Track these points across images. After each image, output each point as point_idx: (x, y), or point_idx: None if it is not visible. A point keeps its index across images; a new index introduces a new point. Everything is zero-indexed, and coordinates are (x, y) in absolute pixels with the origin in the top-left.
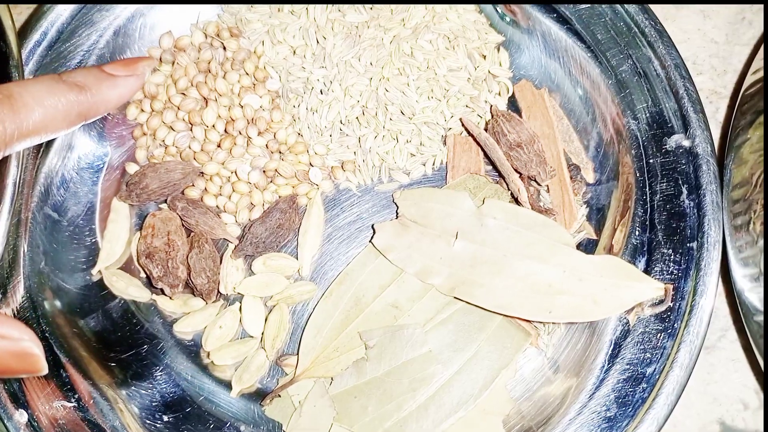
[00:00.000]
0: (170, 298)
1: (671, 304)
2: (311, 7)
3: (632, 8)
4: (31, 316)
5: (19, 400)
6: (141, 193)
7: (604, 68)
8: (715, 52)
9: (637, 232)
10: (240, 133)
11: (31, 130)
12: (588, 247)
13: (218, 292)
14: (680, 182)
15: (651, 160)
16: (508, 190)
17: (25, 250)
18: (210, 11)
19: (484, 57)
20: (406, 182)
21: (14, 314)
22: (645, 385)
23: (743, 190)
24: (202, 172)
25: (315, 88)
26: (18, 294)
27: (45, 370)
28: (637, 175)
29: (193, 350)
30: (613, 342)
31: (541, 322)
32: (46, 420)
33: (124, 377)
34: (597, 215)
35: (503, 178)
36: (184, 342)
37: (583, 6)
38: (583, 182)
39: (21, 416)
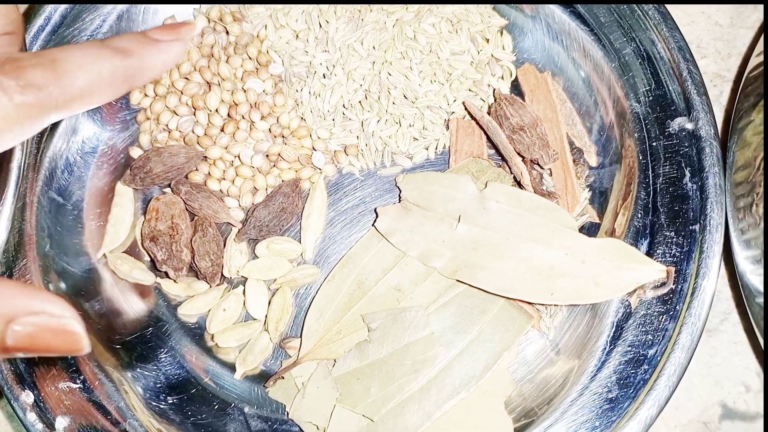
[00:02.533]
0: (174, 281)
1: (673, 287)
2: None
3: None
4: None
5: (26, 381)
6: (145, 177)
7: (607, 51)
8: (719, 35)
9: (639, 215)
10: (243, 117)
11: (76, 96)
12: (590, 230)
13: (222, 275)
14: (683, 165)
15: (654, 143)
16: (511, 173)
17: (31, 234)
18: None
19: (487, 40)
20: (409, 166)
21: None
22: (646, 367)
23: (746, 173)
24: (205, 157)
25: (318, 72)
26: (24, 277)
27: (87, 349)
28: (640, 158)
29: (197, 333)
30: (615, 324)
31: (543, 305)
32: (52, 401)
33: (129, 359)
34: (600, 198)
35: (506, 162)
36: (188, 325)
37: None
38: (586, 165)
39: (27, 397)
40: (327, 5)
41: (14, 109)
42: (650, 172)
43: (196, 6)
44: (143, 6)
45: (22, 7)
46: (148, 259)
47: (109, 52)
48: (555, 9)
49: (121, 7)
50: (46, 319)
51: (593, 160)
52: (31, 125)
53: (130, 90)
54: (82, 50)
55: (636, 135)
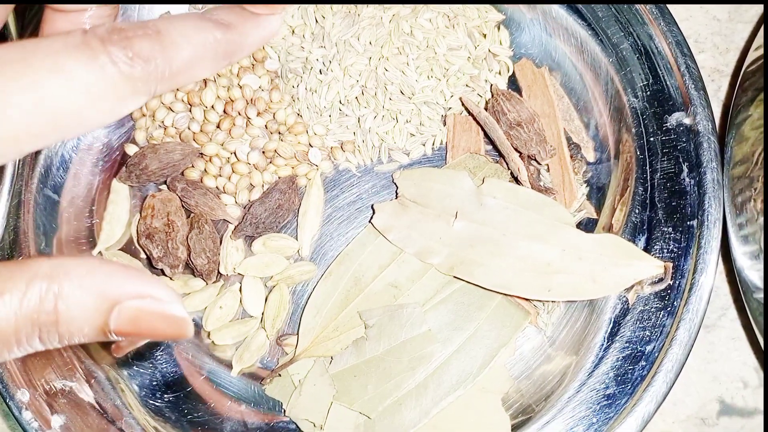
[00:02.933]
0: (170, 278)
1: (671, 282)
2: None
3: None
4: None
5: (21, 379)
6: (141, 174)
7: (605, 46)
8: (717, 29)
9: (637, 211)
10: (239, 113)
11: (181, 68)
12: (588, 226)
13: (218, 272)
14: (681, 160)
15: (652, 138)
16: (508, 169)
17: (26, 231)
18: None
19: (485, 36)
20: (406, 162)
21: None
22: (644, 363)
23: (744, 168)
24: (201, 153)
25: (314, 68)
26: None
27: (191, 334)
28: (638, 153)
29: (193, 330)
30: (613, 320)
31: (540, 301)
32: (47, 399)
33: (125, 357)
34: (597, 194)
35: (503, 158)
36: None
37: None
38: (584, 161)
39: (23, 395)
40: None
41: (122, 82)
42: (648, 168)
43: (190, 6)
44: (138, 5)
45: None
46: (144, 256)
47: (211, 24)
48: (552, 5)
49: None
50: (150, 303)
51: (591, 155)
52: (135, 99)
53: (230, 65)
54: (186, 22)
55: (633, 130)
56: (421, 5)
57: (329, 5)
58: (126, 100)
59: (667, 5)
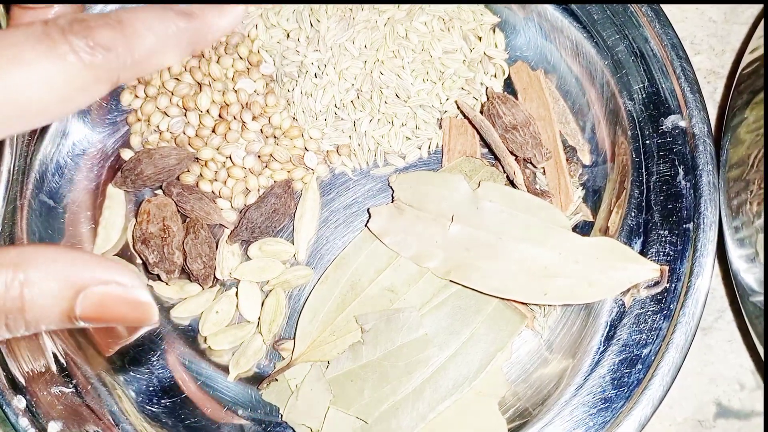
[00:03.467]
0: (166, 283)
1: (667, 286)
2: None
3: None
4: None
5: (18, 385)
6: (136, 179)
7: (600, 49)
8: (713, 31)
9: (633, 214)
10: (234, 117)
11: (144, 57)
12: (584, 229)
13: (214, 277)
14: (677, 163)
15: (647, 141)
16: (504, 172)
17: (21, 237)
18: None
19: (480, 38)
20: (402, 166)
21: None
22: (641, 366)
23: (740, 170)
24: (197, 158)
25: (309, 72)
26: None
27: (156, 319)
28: (634, 156)
29: (190, 335)
30: (609, 323)
31: (536, 305)
32: (44, 405)
33: (121, 363)
34: (593, 197)
35: (499, 161)
36: (180, 327)
37: None
38: (580, 164)
39: (19, 402)
40: (318, 4)
41: (84, 71)
42: (644, 171)
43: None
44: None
45: None
46: (140, 261)
47: (173, 14)
48: (548, 6)
49: (110, 7)
50: (116, 289)
51: (586, 158)
52: (97, 87)
53: (193, 54)
54: (147, 12)
55: (629, 133)
56: (416, 8)
57: (324, 8)
58: (88, 88)
59: (662, 7)
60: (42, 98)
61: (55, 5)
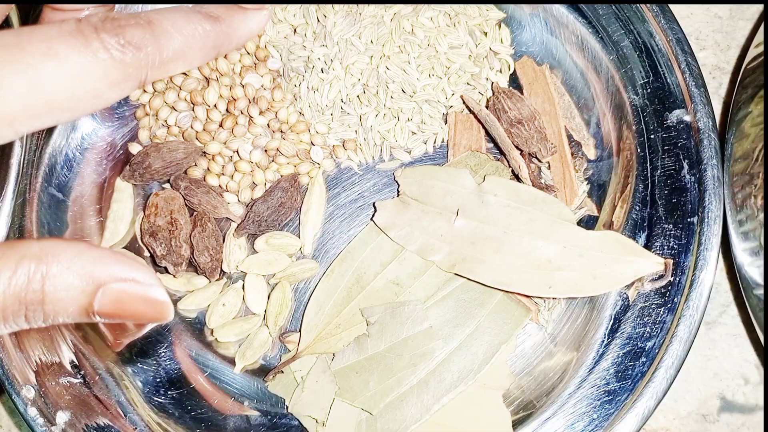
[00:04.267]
0: (174, 276)
1: (671, 279)
2: None
3: None
4: None
5: (27, 376)
6: (144, 173)
7: (605, 44)
8: (718, 27)
9: (637, 208)
10: (242, 112)
11: (171, 57)
12: (589, 223)
13: (221, 270)
14: (681, 157)
15: (652, 136)
16: (509, 167)
17: (31, 230)
18: None
19: (485, 34)
20: (408, 160)
21: None
22: (644, 359)
23: (744, 164)
24: (204, 152)
25: (316, 67)
26: None
27: (171, 317)
28: (638, 150)
29: (197, 328)
30: (613, 317)
31: (541, 298)
32: (52, 396)
33: (129, 354)
34: (598, 191)
35: (504, 156)
36: (188, 320)
37: None
38: (584, 159)
39: (28, 392)
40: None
41: (114, 68)
42: (648, 165)
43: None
44: (139, 6)
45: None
46: (148, 254)
47: (200, 16)
48: (553, 4)
49: (117, 7)
50: (133, 286)
51: (591, 153)
52: (126, 84)
53: (218, 56)
54: (177, 13)
55: (634, 127)
56: (422, 4)
57: (331, 4)
58: (118, 85)
59: (667, 3)
60: (73, 93)
61: (87, 6)
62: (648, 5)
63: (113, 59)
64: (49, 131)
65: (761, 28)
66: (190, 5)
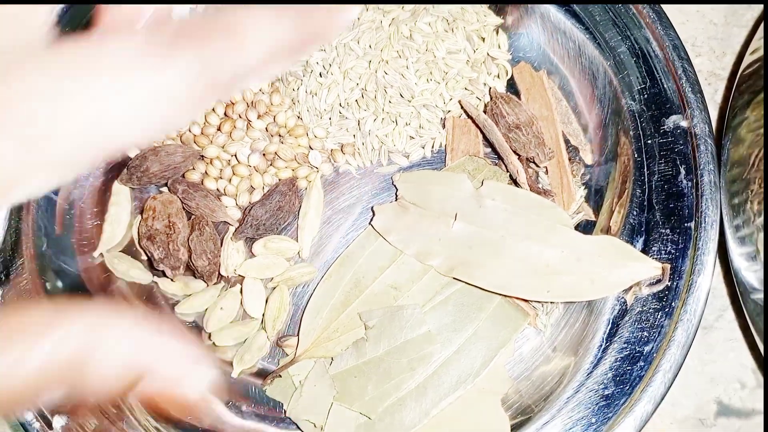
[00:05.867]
0: (171, 280)
1: (669, 283)
2: None
3: None
4: (33, 298)
5: None
6: (142, 177)
7: (602, 50)
8: (714, 33)
9: (635, 213)
10: (240, 116)
11: (256, 67)
12: (586, 227)
13: (219, 274)
14: (678, 162)
15: (649, 141)
16: (507, 171)
17: (28, 233)
18: None
19: (483, 39)
20: (406, 165)
21: (17, 296)
22: (642, 364)
23: (740, 170)
24: (202, 156)
25: (314, 71)
26: (20, 276)
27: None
28: (636, 155)
29: (194, 331)
30: (611, 321)
31: (539, 302)
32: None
33: None
34: (595, 196)
35: (502, 160)
36: (185, 323)
37: None
38: (582, 164)
39: None
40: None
41: (197, 82)
42: (645, 170)
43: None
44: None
45: None
46: (146, 258)
47: (288, 12)
48: (550, 8)
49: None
50: (172, 389)
51: (589, 158)
52: (206, 103)
53: (304, 56)
54: (260, 12)
55: (631, 133)
56: (421, 9)
57: None
58: (204, 100)
59: (664, 10)
60: (158, 107)
61: (145, 5)
62: (644, 11)
63: (195, 73)
64: None
65: (756, 35)
66: (277, 5)
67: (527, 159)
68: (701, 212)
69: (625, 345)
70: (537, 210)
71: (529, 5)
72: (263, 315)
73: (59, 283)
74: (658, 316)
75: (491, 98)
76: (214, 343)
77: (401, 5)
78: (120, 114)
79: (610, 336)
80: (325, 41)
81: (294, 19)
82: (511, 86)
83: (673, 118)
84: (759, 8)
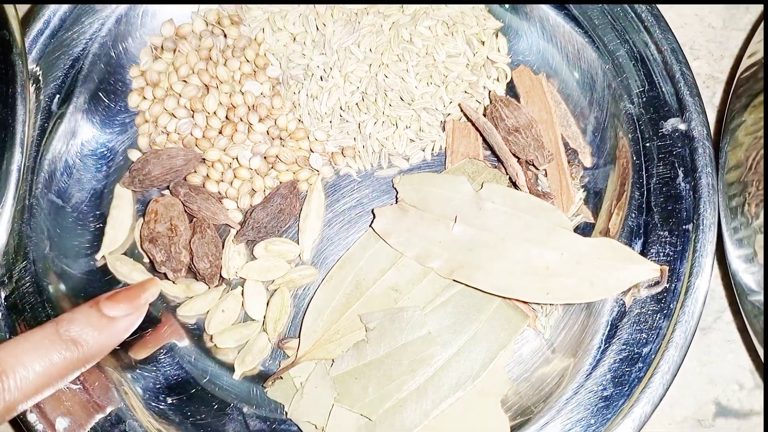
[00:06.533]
0: (173, 282)
1: (667, 285)
2: None
3: None
4: (36, 300)
5: None
6: (144, 180)
7: (601, 53)
8: (712, 37)
9: (633, 215)
10: (241, 119)
11: (22, 400)
12: (585, 230)
13: (220, 276)
14: (676, 165)
15: (648, 144)
16: (507, 174)
17: (30, 236)
18: None
19: (483, 43)
20: (406, 167)
21: (19, 299)
22: (641, 365)
23: (738, 173)
24: (204, 159)
25: (315, 75)
26: (23, 279)
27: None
28: (634, 158)
29: (196, 334)
30: (610, 323)
31: (538, 304)
32: (52, 402)
33: (128, 360)
34: (594, 199)
35: (501, 163)
36: (187, 326)
37: None
38: (581, 166)
39: None
40: (324, 8)
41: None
42: (644, 173)
43: (194, 8)
44: (141, 8)
45: (22, 11)
46: (148, 260)
47: (60, 345)
48: (549, 11)
49: (119, 11)
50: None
51: (588, 160)
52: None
53: (78, 375)
54: (32, 343)
55: (630, 136)
56: (421, 13)
57: (330, 12)
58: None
59: (663, 13)
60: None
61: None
62: (643, 15)
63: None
64: (50, 138)
65: (754, 38)
66: (55, 324)
67: (527, 162)
68: (699, 215)
69: (624, 346)
70: (536, 212)
71: (528, 9)
72: (264, 317)
73: (62, 286)
74: (657, 318)
75: (491, 101)
76: (215, 345)
77: (401, 9)
78: None
79: (609, 337)
80: (100, 358)
81: (64, 350)
82: (511, 89)
83: (672, 121)
84: (757, 12)
